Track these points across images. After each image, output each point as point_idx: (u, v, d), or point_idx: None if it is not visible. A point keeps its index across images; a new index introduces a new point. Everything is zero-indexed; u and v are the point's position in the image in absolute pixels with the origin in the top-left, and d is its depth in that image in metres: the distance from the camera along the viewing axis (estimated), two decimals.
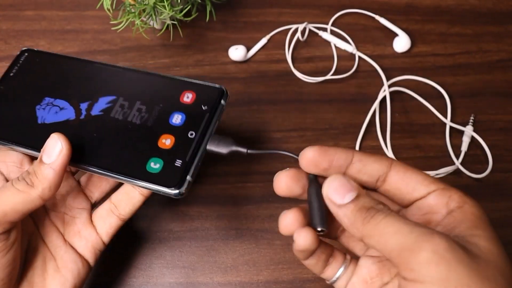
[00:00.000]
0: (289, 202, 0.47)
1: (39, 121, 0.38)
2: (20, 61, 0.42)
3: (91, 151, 0.36)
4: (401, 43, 0.53)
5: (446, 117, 0.50)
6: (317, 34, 0.54)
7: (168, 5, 0.44)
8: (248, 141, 0.49)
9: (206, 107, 0.36)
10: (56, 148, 0.32)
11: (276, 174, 0.31)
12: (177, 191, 0.33)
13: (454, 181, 0.47)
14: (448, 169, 0.47)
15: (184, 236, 0.45)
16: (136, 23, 0.47)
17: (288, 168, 0.30)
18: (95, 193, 0.38)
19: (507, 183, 0.47)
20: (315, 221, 0.29)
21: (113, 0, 0.46)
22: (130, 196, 0.36)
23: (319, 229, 0.28)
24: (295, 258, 0.44)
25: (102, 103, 0.38)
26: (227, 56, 0.53)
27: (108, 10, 0.46)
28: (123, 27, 0.46)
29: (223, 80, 0.52)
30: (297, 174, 0.30)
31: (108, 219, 0.36)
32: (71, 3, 0.55)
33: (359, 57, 0.53)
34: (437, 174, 0.47)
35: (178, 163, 0.34)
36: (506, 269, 0.25)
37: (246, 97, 0.51)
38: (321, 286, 0.44)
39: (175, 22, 0.49)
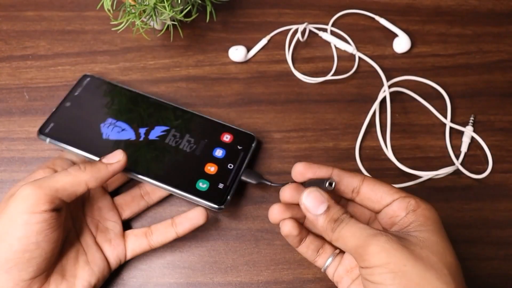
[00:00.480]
0: None
1: (104, 137, 0.46)
2: (83, 84, 0.50)
3: (151, 166, 0.45)
4: (401, 43, 0.53)
5: (446, 117, 0.50)
6: (317, 34, 0.54)
7: (168, 6, 0.44)
8: None
9: (241, 147, 0.47)
10: (116, 157, 0.40)
11: (270, 208, 0.39)
12: (222, 206, 0.43)
13: (454, 181, 0.47)
14: (448, 169, 0.47)
15: (184, 236, 0.45)
16: (136, 23, 0.47)
17: (277, 203, 0.39)
18: (126, 211, 0.45)
19: (507, 183, 0.47)
20: (324, 182, 0.35)
21: (114, 0, 0.46)
22: (166, 230, 0.43)
23: (330, 183, 0.35)
24: (295, 258, 0.44)
25: (158, 130, 0.47)
26: (227, 56, 0.53)
27: (109, 10, 0.46)
28: (123, 27, 0.46)
29: (223, 80, 0.52)
30: (284, 207, 0.39)
31: (139, 240, 0.43)
32: (71, 3, 0.55)
33: (359, 58, 0.53)
34: (437, 175, 0.47)
35: (221, 186, 0.44)
36: (442, 253, 0.32)
37: (246, 98, 0.51)
38: (321, 286, 0.44)
39: (176, 23, 0.49)
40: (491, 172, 0.48)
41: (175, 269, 0.44)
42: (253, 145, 0.47)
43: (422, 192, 0.47)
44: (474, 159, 0.49)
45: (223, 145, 0.47)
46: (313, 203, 0.35)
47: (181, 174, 0.45)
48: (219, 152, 0.46)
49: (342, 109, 0.51)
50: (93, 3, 0.55)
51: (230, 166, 0.46)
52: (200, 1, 0.48)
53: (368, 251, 0.32)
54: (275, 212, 0.39)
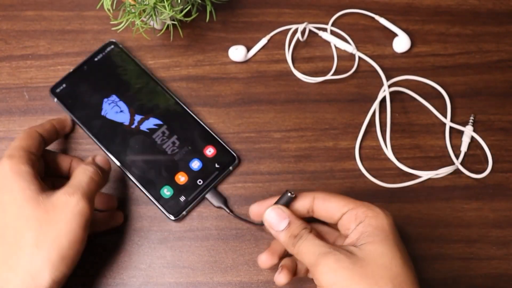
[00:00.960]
0: None
1: (102, 113, 0.49)
2: (106, 51, 0.51)
3: (128, 154, 0.47)
4: (401, 43, 0.53)
5: (446, 117, 0.50)
6: (317, 34, 0.54)
7: (168, 6, 0.44)
8: (248, 141, 0.49)
9: (218, 166, 0.47)
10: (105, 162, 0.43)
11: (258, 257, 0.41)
12: (173, 218, 0.45)
13: (454, 181, 0.48)
14: (448, 169, 0.47)
15: (184, 236, 0.45)
16: (136, 23, 0.47)
17: (263, 254, 0.40)
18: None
19: (507, 183, 0.47)
20: (285, 194, 0.39)
21: (113, 0, 0.46)
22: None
23: (290, 193, 0.39)
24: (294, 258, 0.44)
25: (151, 122, 0.48)
26: (227, 56, 0.53)
27: (108, 10, 0.46)
28: (123, 27, 0.46)
29: (223, 80, 0.52)
30: (270, 252, 0.40)
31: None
32: (71, 3, 0.55)
33: (359, 57, 0.53)
34: (437, 174, 0.47)
35: (182, 199, 0.45)
36: (388, 265, 0.33)
37: (245, 97, 0.51)
38: None
39: (175, 22, 0.49)
40: (491, 172, 0.48)
41: (175, 269, 0.44)
42: (231, 167, 0.47)
43: (422, 192, 0.47)
44: (474, 158, 0.49)
45: (202, 158, 0.47)
46: (275, 220, 0.38)
47: (152, 174, 0.46)
48: (195, 164, 0.47)
49: (342, 109, 0.51)
50: (93, 2, 0.55)
51: (200, 182, 0.46)
52: (200, 1, 0.48)
53: (318, 270, 0.34)
54: (263, 260, 0.40)
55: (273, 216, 0.38)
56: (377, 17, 0.54)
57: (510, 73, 0.51)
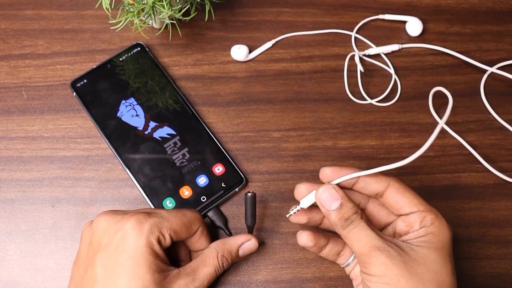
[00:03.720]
0: (288, 201, 0.47)
1: (118, 114, 0.48)
2: (132, 52, 0.51)
3: (138, 160, 0.46)
4: (414, 26, 0.53)
5: (445, 116, 0.50)
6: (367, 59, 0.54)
7: (167, 5, 0.44)
8: (247, 140, 0.49)
9: (224, 185, 0.46)
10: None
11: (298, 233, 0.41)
12: None
13: (453, 180, 0.47)
14: (448, 169, 0.47)
15: None
16: (135, 22, 0.46)
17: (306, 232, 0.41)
18: None
19: (507, 183, 0.47)
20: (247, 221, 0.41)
21: None
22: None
23: (248, 224, 0.41)
24: (294, 257, 0.44)
25: (164, 131, 0.48)
26: (226, 55, 0.53)
27: (107, 9, 0.46)
28: (122, 26, 0.46)
29: (222, 79, 0.52)
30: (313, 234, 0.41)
31: None
32: (70, 2, 0.55)
33: (359, 57, 0.53)
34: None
35: None
36: (438, 271, 0.35)
37: (245, 97, 0.51)
38: (320, 286, 0.43)
39: (174, 22, 0.49)
40: (490, 172, 0.48)
41: None
42: (237, 188, 0.46)
43: (422, 192, 0.47)
44: (474, 158, 0.48)
45: (210, 175, 0.46)
46: (327, 199, 0.37)
47: (157, 183, 0.46)
48: (202, 180, 0.46)
49: (341, 108, 0.51)
50: (92, 2, 0.55)
51: (203, 199, 0.45)
52: (199, 0, 0.48)
53: (370, 261, 0.35)
54: (304, 236, 0.41)
55: (326, 195, 0.37)
56: (380, 16, 0.54)
57: (510, 73, 0.51)
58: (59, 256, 0.45)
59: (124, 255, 0.36)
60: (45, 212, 0.46)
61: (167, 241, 0.38)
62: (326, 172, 0.39)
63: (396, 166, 0.36)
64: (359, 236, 0.36)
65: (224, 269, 0.40)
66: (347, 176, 0.38)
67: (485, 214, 0.46)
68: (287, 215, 0.41)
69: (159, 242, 0.37)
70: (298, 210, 0.40)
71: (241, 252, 0.41)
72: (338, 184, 0.38)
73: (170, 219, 0.38)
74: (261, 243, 0.45)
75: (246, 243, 0.42)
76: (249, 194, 0.40)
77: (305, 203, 0.39)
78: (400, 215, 0.39)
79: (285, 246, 0.45)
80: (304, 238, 0.40)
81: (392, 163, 0.36)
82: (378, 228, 0.41)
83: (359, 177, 0.38)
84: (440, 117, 0.50)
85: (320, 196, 0.38)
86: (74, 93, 0.49)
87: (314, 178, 0.47)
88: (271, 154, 0.48)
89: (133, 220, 0.37)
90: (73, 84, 0.50)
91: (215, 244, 0.41)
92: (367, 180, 0.39)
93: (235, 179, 0.46)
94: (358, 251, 0.36)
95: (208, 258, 0.39)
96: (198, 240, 0.41)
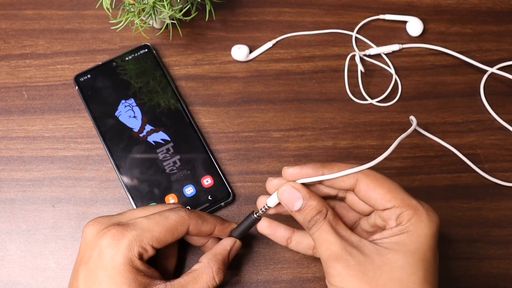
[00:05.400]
0: None
1: (115, 114, 0.48)
2: (139, 52, 0.51)
3: (128, 162, 0.46)
4: (414, 26, 0.53)
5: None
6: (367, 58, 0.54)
7: (167, 5, 0.44)
8: (248, 140, 0.49)
9: (211, 198, 0.45)
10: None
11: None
12: None
13: (454, 180, 0.47)
14: (448, 169, 0.47)
15: (184, 235, 0.45)
16: (135, 22, 0.46)
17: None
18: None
19: (507, 183, 0.47)
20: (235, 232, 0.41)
21: None
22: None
23: (234, 236, 0.41)
24: (294, 257, 0.44)
25: (159, 136, 0.47)
26: (227, 55, 0.53)
27: (108, 9, 0.46)
28: (122, 26, 0.46)
29: (223, 79, 0.52)
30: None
31: None
32: (70, 2, 0.55)
33: (360, 57, 0.53)
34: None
35: None
36: (405, 280, 0.31)
37: (245, 96, 0.51)
38: (320, 286, 0.43)
39: (175, 22, 0.49)
40: (490, 172, 0.48)
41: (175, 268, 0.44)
42: (223, 203, 0.45)
43: (422, 192, 0.47)
44: (474, 158, 0.48)
45: (198, 186, 0.46)
46: (288, 199, 0.35)
47: (144, 187, 0.45)
48: (189, 190, 0.45)
49: (341, 108, 0.51)
50: (92, 1, 0.55)
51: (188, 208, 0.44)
52: (199, 0, 0.48)
53: (328, 271, 0.33)
54: (262, 224, 0.39)
55: (286, 195, 0.35)
56: (381, 16, 0.54)
57: (510, 73, 0.51)
58: (59, 256, 0.45)
59: (103, 273, 0.34)
60: (46, 212, 0.46)
61: (150, 253, 0.36)
62: (287, 172, 0.36)
63: (353, 171, 0.34)
64: (320, 241, 0.34)
65: (219, 283, 0.38)
66: (308, 179, 0.35)
67: (485, 214, 0.46)
68: (256, 215, 0.39)
69: (140, 256, 0.35)
70: (266, 209, 0.38)
71: (230, 257, 0.40)
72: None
73: (150, 228, 0.36)
74: (262, 243, 0.45)
75: (234, 246, 0.40)
76: (255, 216, 0.39)
77: (271, 201, 0.37)
78: (374, 211, 0.36)
79: (285, 246, 0.45)
80: (260, 226, 0.39)
81: (360, 165, 0.35)
82: (355, 221, 0.38)
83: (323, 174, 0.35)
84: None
85: (281, 196, 0.36)
86: (76, 87, 0.50)
87: None
88: (271, 154, 0.48)
89: (108, 237, 0.35)
90: (76, 78, 0.50)
91: (206, 258, 0.39)
92: (334, 178, 0.35)
93: (222, 193, 0.46)
94: (322, 256, 0.34)
95: (201, 274, 0.37)
96: (202, 231, 0.39)
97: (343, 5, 0.55)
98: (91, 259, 0.35)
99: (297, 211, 0.35)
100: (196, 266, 0.38)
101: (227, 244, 0.40)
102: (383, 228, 0.35)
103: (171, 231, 0.37)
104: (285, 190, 0.35)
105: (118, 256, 0.34)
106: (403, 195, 0.34)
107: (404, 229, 0.33)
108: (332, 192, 0.37)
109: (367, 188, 0.34)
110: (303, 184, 0.36)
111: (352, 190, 0.35)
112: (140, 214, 0.38)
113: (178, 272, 0.43)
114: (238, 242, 0.41)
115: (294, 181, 0.36)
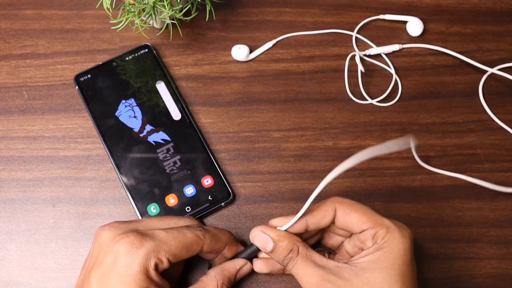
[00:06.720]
0: (288, 202, 0.47)
1: (115, 113, 0.48)
2: (139, 52, 0.51)
3: (128, 162, 0.46)
4: (414, 26, 0.53)
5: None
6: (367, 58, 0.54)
7: (167, 5, 0.44)
8: (248, 140, 0.49)
9: (211, 198, 0.45)
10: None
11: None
12: None
13: (454, 180, 0.47)
14: (448, 169, 0.47)
15: None
16: (135, 22, 0.46)
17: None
18: None
19: (507, 183, 0.47)
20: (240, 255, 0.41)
21: None
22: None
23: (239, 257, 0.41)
24: None
25: (159, 136, 0.47)
26: (227, 55, 0.53)
27: (108, 9, 0.46)
28: (122, 26, 0.46)
29: (223, 79, 0.52)
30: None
31: None
32: (70, 2, 0.55)
33: (360, 57, 0.53)
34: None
35: None
36: None
37: (245, 96, 0.51)
38: None
39: (175, 22, 0.49)
40: (490, 172, 0.48)
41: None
42: (223, 203, 0.45)
43: (422, 192, 0.47)
44: (474, 158, 0.48)
45: (198, 186, 0.46)
46: (261, 244, 0.38)
47: (144, 187, 0.45)
48: (189, 190, 0.45)
49: (341, 108, 0.51)
50: (92, 1, 0.55)
51: (188, 209, 0.45)
52: (199, 0, 0.48)
53: None
54: (257, 264, 0.41)
55: (257, 240, 0.38)
56: (381, 16, 0.54)
57: (510, 73, 0.51)
58: (59, 256, 0.45)
59: (117, 279, 0.34)
60: (46, 212, 0.46)
61: (165, 265, 0.36)
62: (272, 223, 0.39)
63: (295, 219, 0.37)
64: (299, 276, 0.36)
65: None
66: (288, 223, 0.38)
67: (485, 214, 0.46)
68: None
69: (155, 267, 0.35)
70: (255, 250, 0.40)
71: (237, 276, 0.41)
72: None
73: (168, 242, 0.36)
74: None
75: (243, 267, 0.41)
76: (255, 247, 0.40)
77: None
78: (352, 234, 0.39)
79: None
80: (257, 266, 0.40)
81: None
82: (341, 241, 0.41)
83: (307, 221, 0.38)
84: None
85: (255, 241, 0.38)
86: (76, 87, 0.50)
87: (315, 178, 0.48)
88: (271, 154, 0.49)
89: (127, 244, 0.35)
90: (77, 78, 0.50)
91: (213, 271, 0.39)
92: (314, 220, 0.38)
93: (222, 193, 0.46)
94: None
95: (206, 287, 0.38)
96: (214, 250, 0.39)
97: (343, 5, 0.55)
98: (105, 263, 0.35)
99: (270, 252, 0.38)
100: (202, 278, 0.39)
101: (238, 263, 0.41)
102: (360, 250, 0.37)
103: (187, 248, 0.37)
104: (256, 235, 0.38)
105: (135, 264, 0.34)
106: (376, 216, 0.37)
107: (379, 247, 0.35)
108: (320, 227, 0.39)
109: (343, 215, 0.37)
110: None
111: (332, 223, 0.38)
112: (158, 224, 0.39)
113: (183, 280, 0.43)
114: (248, 265, 0.41)
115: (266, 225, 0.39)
